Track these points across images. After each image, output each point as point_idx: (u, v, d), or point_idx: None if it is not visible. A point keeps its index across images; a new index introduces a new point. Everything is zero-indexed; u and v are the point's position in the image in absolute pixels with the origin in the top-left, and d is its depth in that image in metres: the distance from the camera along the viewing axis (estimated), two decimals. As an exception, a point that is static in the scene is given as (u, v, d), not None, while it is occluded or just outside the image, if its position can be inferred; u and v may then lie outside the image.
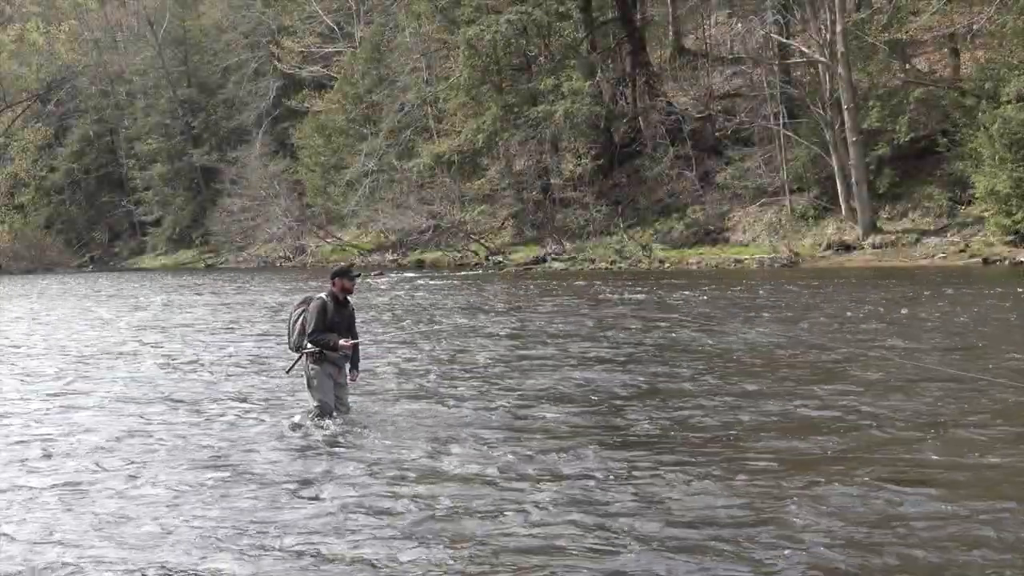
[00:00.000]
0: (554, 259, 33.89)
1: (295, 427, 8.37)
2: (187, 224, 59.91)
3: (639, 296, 19.99)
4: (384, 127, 44.41)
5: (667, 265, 30.49)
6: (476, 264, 36.72)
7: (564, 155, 39.69)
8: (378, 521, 5.78)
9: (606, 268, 31.35)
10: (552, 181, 38.26)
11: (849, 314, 14.79)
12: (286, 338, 8.70)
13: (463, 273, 33.25)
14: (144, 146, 62.16)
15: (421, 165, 41.01)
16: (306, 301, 8.50)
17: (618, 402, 9.02)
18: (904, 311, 14.85)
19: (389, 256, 42.13)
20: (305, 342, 8.31)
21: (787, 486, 6.12)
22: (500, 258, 36.23)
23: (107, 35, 70.25)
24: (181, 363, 12.75)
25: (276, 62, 52.28)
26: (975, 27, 28.25)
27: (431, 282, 28.64)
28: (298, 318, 8.43)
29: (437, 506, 6.03)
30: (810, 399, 8.68)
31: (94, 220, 69.15)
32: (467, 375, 10.86)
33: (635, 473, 6.58)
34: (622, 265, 31.42)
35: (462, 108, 40.61)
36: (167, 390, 10.59)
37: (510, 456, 7.17)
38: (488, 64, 37.48)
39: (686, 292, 20.18)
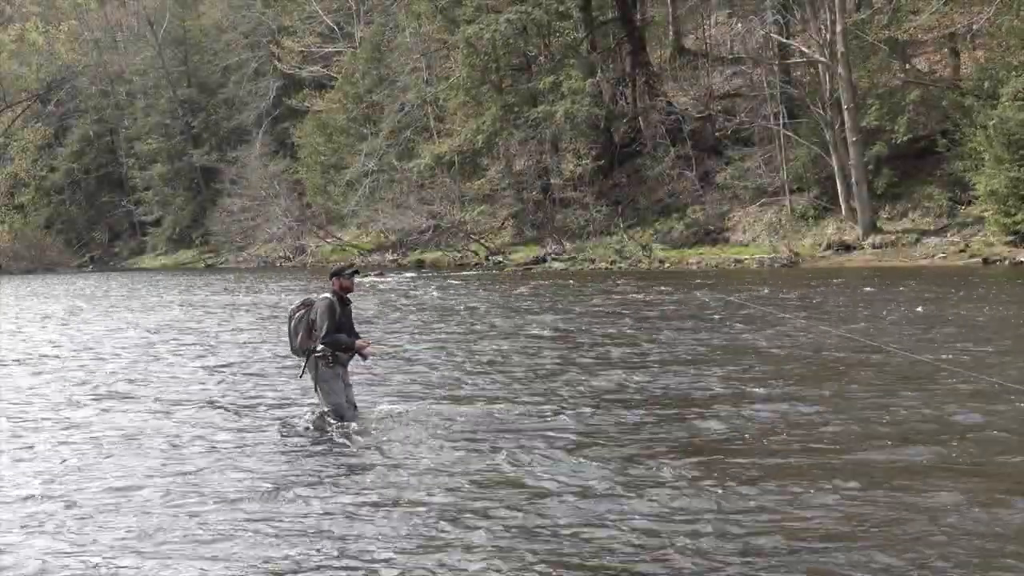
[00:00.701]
0: (554, 259, 33.89)
1: (308, 429, 8.31)
2: (187, 224, 59.91)
3: (663, 297, 19.59)
4: (384, 127, 44.42)
5: (667, 265, 30.49)
6: (476, 264, 36.73)
7: (564, 155, 39.69)
8: (391, 523, 5.75)
9: (606, 268, 31.35)
10: (552, 181, 38.26)
11: (890, 313, 14.51)
12: (288, 342, 8.61)
13: (465, 273, 33.23)
14: (144, 146, 62.15)
15: (422, 165, 41.01)
16: (306, 304, 8.40)
17: (689, 406, 8.51)
18: (920, 309, 14.83)
19: (389, 256, 42.14)
20: (316, 345, 8.24)
21: (889, 499, 5.73)
22: (500, 258, 36.24)
23: (107, 35, 70.22)
24: (199, 365, 12.68)
25: (276, 62, 52.28)
26: (975, 27, 28.26)
27: (444, 282, 28.38)
28: (300, 320, 8.35)
29: (454, 509, 5.91)
30: (893, 405, 8.16)
31: (94, 220, 69.13)
32: (503, 376, 10.56)
33: (710, 484, 6.17)
34: (622, 265, 31.41)
35: (462, 108, 40.62)
36: (187, 392, 10.56)
37: (549, 462, 6.87)
38: (488, 64, 37.51)
39: (720, 293, 19.59)
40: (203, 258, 57.03)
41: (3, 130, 63.87)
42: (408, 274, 33.65)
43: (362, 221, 45.62)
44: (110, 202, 67.66)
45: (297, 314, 8.39)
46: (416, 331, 15.62)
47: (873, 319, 14.03)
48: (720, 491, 6.03)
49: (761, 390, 9.11)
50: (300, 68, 50.84)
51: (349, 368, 8.58)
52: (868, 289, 18.75)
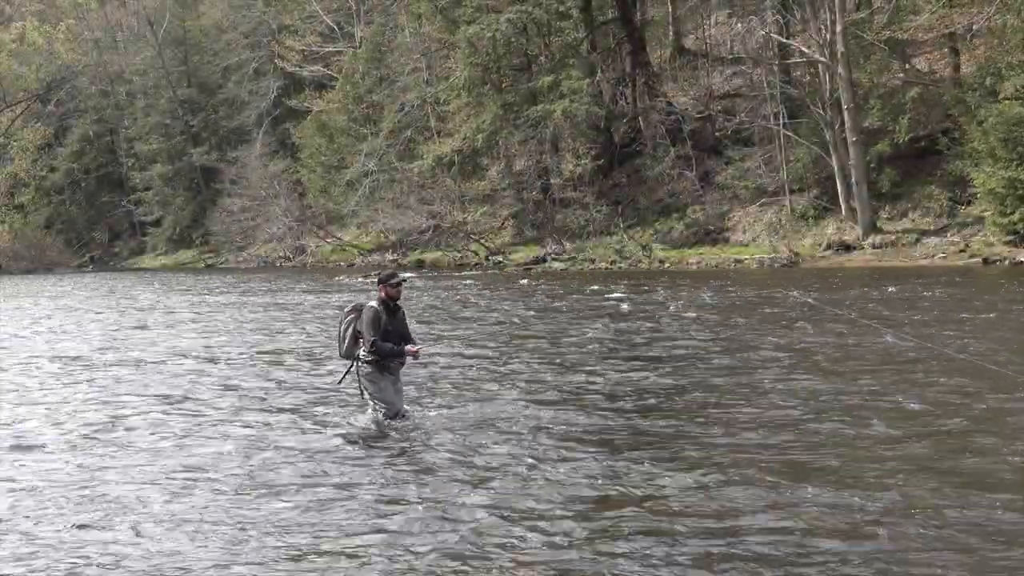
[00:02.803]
0: (554, 259, 33.89)
1: (360, 429, 8.30)
2: (187, 224, 59.90)
3: (711, 298, 18.82)
4: (384, 127, 44.42)
5: (667, 265, 30.49)
6: (476, 264, 36.72)
7: (564, 155, 39.68)
8: (445, 524, 5.73)
9: (606, 268, 31.35)
10: (552, 181, 38.24)
11: (966, 315, 14.07)
12: (336, 347, 8.63)
13: (466, 273, 33.22)
14: (144, 146, 62.16)
15: (423, 166, 40.99)
16: (356, 309, 8.41)
17: (930, 420, 7.74)
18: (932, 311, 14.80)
19: (389, 256, 42.14)
20: (361, 352, 8.24)
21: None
22: (500, 258, 36.23)
23: (107, 35, 70.21)
24: (242, 364, 12.59)
25: (278, 61, 52.24)
26: (975, 27, 28.25)
27: (462, 283, 28.02)
28: (348, 327, 8.35)
29: (510, 517, 5.81)
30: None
31: (94, 220, 69.14)
32: (575, 385, 10.04)
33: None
34: (622, 265, 31.42)
35: (463, 108, 40.60)
36: (229, 391, 10.52)
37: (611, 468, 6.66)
38: (488, 63, 37.50)
39: (796, 292, 18.62)
40: (203, 258, 57.02)
41: (3, 130, 63.86)
42: (408, 274, 33.56)
43: (362, 221, 45.63)
44: (110, 202, 67.66)
45: (347, 319, 8.40)
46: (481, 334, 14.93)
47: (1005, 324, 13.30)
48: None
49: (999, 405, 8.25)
50: (301, 68, 50.84)
51: (400, 374, 8.57)
52: (886, 291, 18.46)
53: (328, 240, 47.61)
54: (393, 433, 8.05)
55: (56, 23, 68.30)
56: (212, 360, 13.35)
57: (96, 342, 16.26)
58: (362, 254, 44.03)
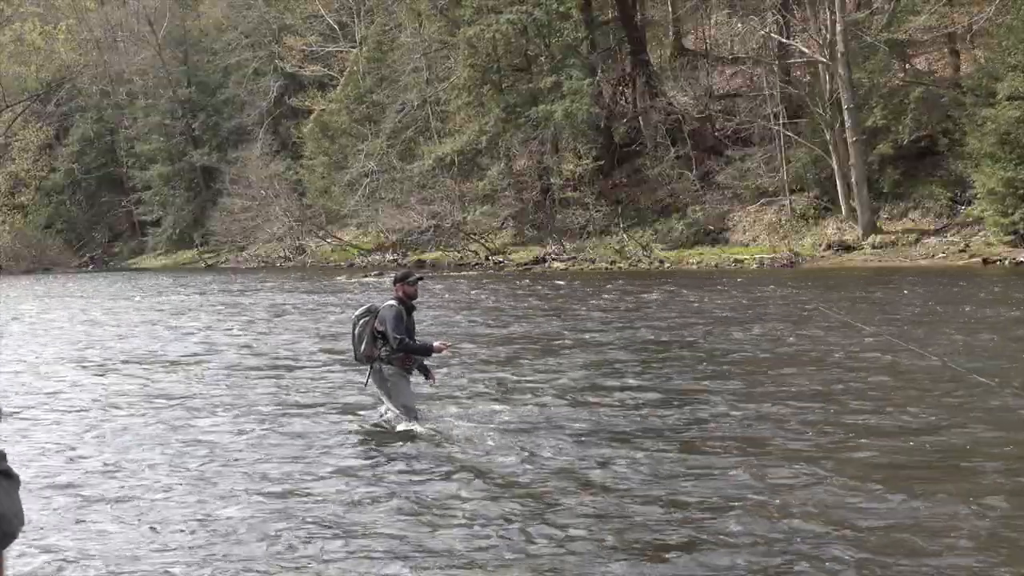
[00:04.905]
0: (554, 259, 33.90)
1: (380, 430, 8.18)
2: (187, 224, 59.84)
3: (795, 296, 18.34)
4: (385, 127, 44.42)
5: (667, 265, 30.50)
6: (476, 264, 36.72)
7: (564, 155, 39.66)
8: (460, 530, 5.66)
9: (606, 268, 31.37)
10: (552, 181, 38.24)
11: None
12: (352, 350, 8.43)
13: (467, 273, 33.22)
14: (144, 146, 62.14)
15: (423, 166, 40.97)
16: (371, 311, 8.26)
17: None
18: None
19: (389, 256, 42.13)
20: (383, 353, 8.13)
21: None
22: (500, 258, 36.24)
23: (107, 35, 70.18)
24: (258, 366, 12.46)
25: (279, 61, 52.22)
26: (975, 27, 28.29)
27: (539, 286, 26.99)
28: (364, 328, 8.20)
29: (530, 519, 5.74)
30: None
31: (94, 220, 69.04)
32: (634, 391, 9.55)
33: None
34: (622, 265, 31.43)
35: (464, 108, 40.61)
36: (252, 392, 10.41)
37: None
38: (488, 64, 37.51)
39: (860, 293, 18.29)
40: (203, 258, 56.96)
41: (3, 130, 63.82)
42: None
43: (362, 221, 45.62)
44: (110, 202, 67.62)
45: (361, 321, 8.23)
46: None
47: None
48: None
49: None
50: (301, 67, 50.83)
51: (412, 378, 8.47)
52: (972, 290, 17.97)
53: (328, 240, 47.60)
54: (410, 434, 7.90)
55: (55, 23, 68.20)
56: (329, 365, 12.62)
57: (193, 347, 15.23)
58: (362, 254, 44.02)
